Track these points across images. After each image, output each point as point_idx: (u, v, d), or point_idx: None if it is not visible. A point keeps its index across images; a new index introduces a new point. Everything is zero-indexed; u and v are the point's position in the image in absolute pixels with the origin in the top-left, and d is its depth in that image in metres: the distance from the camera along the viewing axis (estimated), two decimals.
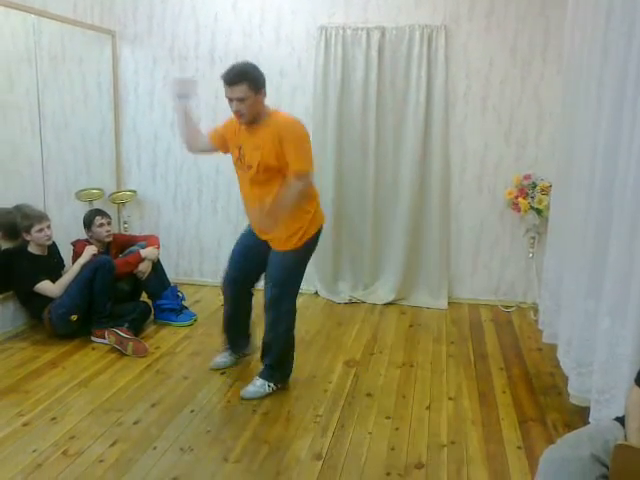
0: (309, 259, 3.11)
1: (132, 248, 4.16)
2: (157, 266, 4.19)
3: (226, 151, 3.15)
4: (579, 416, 2.88)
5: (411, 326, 4.22)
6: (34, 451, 2.56)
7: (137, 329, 3.86)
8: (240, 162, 3.00)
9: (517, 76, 4.39)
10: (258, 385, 3.11)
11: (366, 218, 4.65)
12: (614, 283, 2.27)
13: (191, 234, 5.06)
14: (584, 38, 2.97)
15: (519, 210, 4.37)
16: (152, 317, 4.14)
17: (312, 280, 4.70)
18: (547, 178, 4.30)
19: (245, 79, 2.79)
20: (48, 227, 3.79)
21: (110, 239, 4.12)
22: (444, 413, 2.97)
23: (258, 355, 3.29)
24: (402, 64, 4.44)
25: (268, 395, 3.09)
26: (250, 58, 4.57)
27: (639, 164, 2.11)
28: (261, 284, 3.16)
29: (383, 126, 4.54)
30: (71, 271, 3.82)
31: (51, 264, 3.90)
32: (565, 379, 3.19)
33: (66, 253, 4.07)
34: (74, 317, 3.70)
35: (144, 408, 2.96)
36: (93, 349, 3.67)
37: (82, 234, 4.11)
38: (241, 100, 2.80)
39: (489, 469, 2.50)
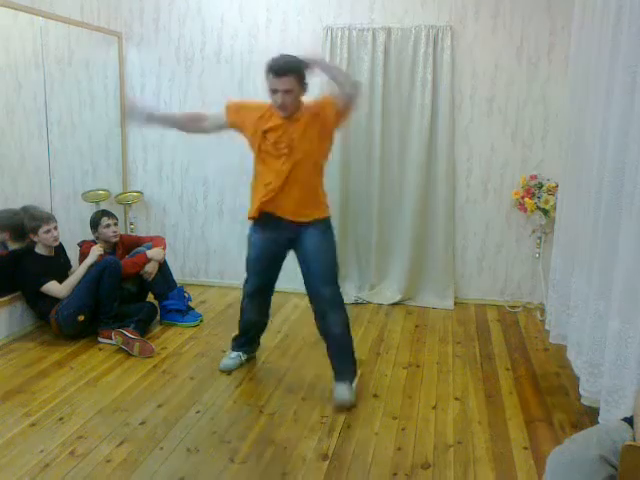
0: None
1: (138, 249, 4.17)
2: (163, 267, 4.19)
3: (237, 129, 3.07)
4: (586, 416, 2.88)
5: (417, 326, 4.21)
6: (41, 451, 2.57)
7: (143, 330, 3.86)
8: (273, 148, 2.91)
9: (523, 77, 4.39)
10: (352, 388, 3.04)
11: (372, 218, 4.65)
12: (623, 284, 2.27)
13: (197, 235, 5.07)
14: (592, 38, 2.95)
15: (525, 210, 4.36)
16: (158, 318, 4.15)
17: None
18: (553, 179, 4.29)
19: (295, 71, 2.77)
20: (55, 228, 3.81)
21: (117, 240, 4.13)
22: (450, 413, 2.96)
23: (263, 356, 3.27)
24: (408, 65, 4.44)
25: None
26: (256, 59, 4.66)
27: None
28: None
29: (389, 127, 4.53)
30: (78, 272, 3.83)
31: (58, 265, 3.92)
32: (572, 379, 3.19)
33: (73, 254, 4.09)
34: (81, 318, 3.71)
35: (150, 408, 2.96)
36: (100, 350, 3.68)
37: (89, 235, 4.13)
38: (288, 92, 2.76)
39: (496, 469, 2.49)
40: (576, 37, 3.36)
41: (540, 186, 4.32)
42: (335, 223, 4.48)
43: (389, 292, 4.72)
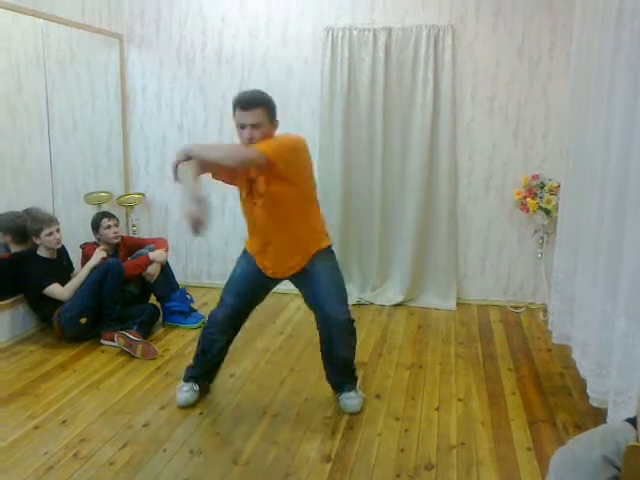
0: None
1: (141, 251, 4.17)
2: (166, 269, 4.20)
3: (231, 182, 2.89)
4: (589, 417, 2.87)
5: (420, 327, 4.21)
6: (45, 454, 2.57)
7: (146, 332, 3.86)
8: (251, 195, 2.74)
9: (524, 75, 4.38)
10: (360, 396, 3.01)
11: (374, 219, 4.64)
12: (629, 283, 2.25)
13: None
14: (594, 36, 2.95)
15: (527, 210, 4.35)
16: (161, 320, 4.15)
17: None
18: (555, 178, 4.28)
19: (262, 104, 2.60)
20: (57, 230, 3.81)
21: (118, 240, 4.14)
22: (453, 414, 2.96)
23: (266, 357, 3.23)
24: (409, 65, 4.43)
25: None
26: (257, 59, 4.67)
27: None
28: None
29: (390, 127, 4.53)
30: (80, 274, 3.84)
31: (60, 267, 3.93)
32: (575, 380, 3.18)
33: (75, 256, 4.10)
34: (83, 320, 3.72)
35: (153, 410, 2.97)
36: (102, 352, 3.69)
37: (91, 237, 4.13)
38: (255, 126, 2.58)
39: (499, 470, 2.49)
40: (577, 35, 3.35)
41: (542, 186, 4.31)
42: (337, 224, 4.54)
43: (391, 293, 4.71)
